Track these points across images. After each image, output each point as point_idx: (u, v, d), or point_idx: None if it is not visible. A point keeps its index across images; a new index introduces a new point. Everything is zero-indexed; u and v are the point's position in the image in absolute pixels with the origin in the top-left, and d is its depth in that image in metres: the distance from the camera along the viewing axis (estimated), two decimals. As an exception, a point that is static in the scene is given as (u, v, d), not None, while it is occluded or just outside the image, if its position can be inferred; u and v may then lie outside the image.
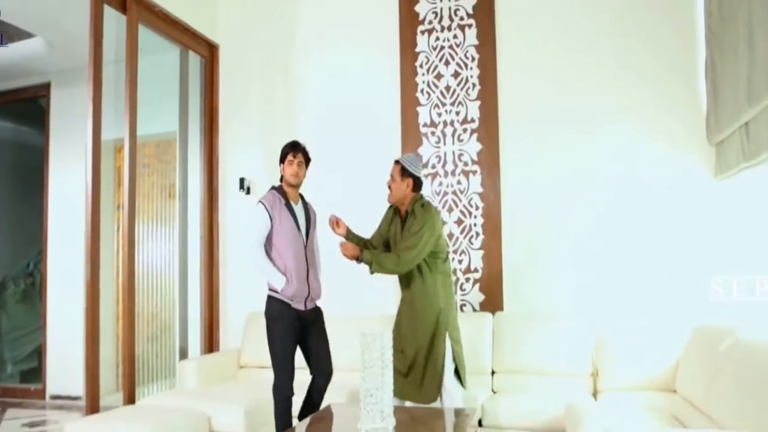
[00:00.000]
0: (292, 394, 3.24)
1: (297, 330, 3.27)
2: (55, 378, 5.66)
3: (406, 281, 3.30)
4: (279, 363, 3.22)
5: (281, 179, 3.36)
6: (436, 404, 3.18)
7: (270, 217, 3.23)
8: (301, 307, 3.26)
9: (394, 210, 3.41)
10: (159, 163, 5.44)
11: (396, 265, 3.15)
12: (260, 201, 3.28)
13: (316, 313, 3.37)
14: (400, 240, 3.25)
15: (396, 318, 3.37)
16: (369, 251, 3.24)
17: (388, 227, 3.41)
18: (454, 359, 3.21)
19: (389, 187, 3.31)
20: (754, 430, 2.01)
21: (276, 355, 3.23)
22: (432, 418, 2.90)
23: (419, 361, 3.19)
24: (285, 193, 3.33)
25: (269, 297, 3.29)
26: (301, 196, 3.43)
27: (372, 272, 3.21)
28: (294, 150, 3.31)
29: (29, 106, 6.39)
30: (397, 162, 3.29)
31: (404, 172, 3.24)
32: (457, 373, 3.25)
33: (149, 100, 4.41)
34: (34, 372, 6.07)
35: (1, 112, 6.70)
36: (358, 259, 3.20)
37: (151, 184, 5.43)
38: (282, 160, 3.34)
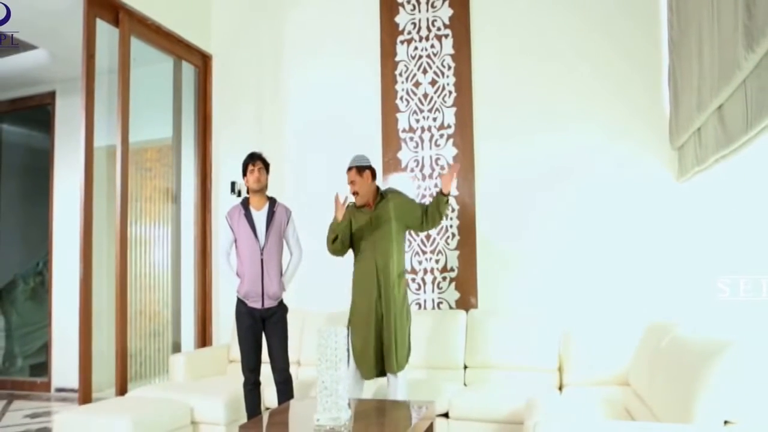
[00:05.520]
0: (254, 385, 3.52)
1: (256, 327, 3.53)
2: (59, 371, 5.91)
3: (397, 254, 3.45)
4: (241, 356, 3.54)
5: (248, 191, 3.63)
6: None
7: (231, 229, 3.57)
8: (257, 305, 3.50)
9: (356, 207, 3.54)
10: (161, 167, 5.65)
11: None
12: (225, 216, 3.63)
13: (276, 312, 3.56)
14: (409, 214, 3.49)
15: (372, 293, 3.42)
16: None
17: (349, 224, 3.50)
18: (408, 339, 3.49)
19: (355, 194, 3.47)
20: (680, 421, 2.12)
21: (239, 350, 3.55)
22: (391, 409, 3.03)
23: (390, 331, 3.37)
24: (248, 202, 3.61)
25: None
26: (271, 200, 3.66)
27: (447, 203, 3.39)
28: (252, 160, 3.58)
29: (38, 112, 6.62)
30: (350, 168, 3.48)
31: (360, 170, 3.45)
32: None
33: (148, 108, 4.61)
34: (43, 366, 6.29)
35: (13, 118, 6.98)
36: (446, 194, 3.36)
37: (153, 188, 5.64)
38: (244, 173, 3.59)
